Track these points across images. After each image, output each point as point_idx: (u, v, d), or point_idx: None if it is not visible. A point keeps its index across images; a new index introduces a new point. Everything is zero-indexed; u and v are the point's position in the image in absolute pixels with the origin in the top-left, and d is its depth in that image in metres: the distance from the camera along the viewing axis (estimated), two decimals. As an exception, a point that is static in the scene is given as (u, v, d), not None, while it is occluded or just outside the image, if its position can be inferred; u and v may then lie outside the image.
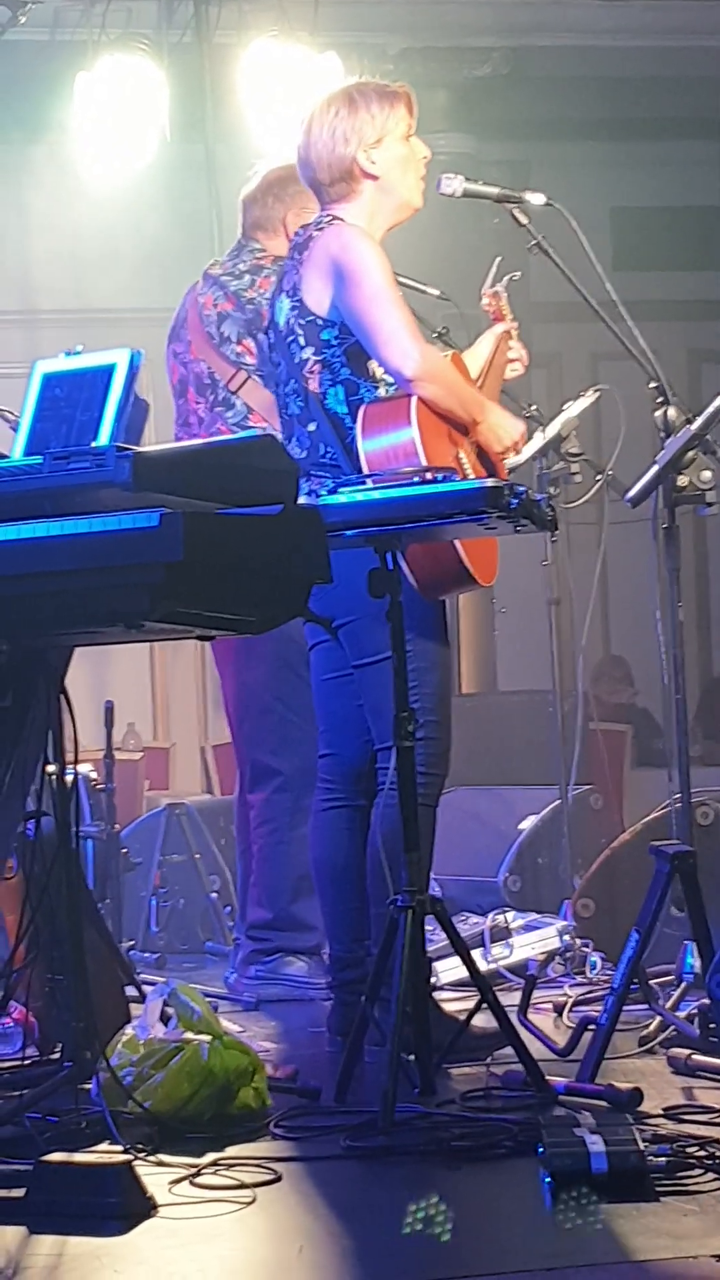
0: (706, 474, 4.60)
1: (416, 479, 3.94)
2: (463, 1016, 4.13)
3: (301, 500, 3.84)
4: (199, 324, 5.49)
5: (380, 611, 4.00)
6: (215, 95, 7.85)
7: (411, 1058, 3.89)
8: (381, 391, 4.39)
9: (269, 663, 5.36)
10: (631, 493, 4.69)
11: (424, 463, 4.18)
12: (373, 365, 4.39)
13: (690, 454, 4.60)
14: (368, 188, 4.49)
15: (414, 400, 4.28)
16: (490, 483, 3.85)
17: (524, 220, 4.77)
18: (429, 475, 3.95)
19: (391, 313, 4.32)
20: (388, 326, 4.31)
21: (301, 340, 4.44)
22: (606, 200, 10.10)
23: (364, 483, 4.01)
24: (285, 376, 4.51)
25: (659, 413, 4.67)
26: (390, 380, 4.37)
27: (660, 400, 4.69)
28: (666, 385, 4.72)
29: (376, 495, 3.91)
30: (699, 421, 4.60)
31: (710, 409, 4.61)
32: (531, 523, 3.90)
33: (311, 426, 4.42)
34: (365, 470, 4.24)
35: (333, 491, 4.06)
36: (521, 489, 3.85)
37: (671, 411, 4.66)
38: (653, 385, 4.70)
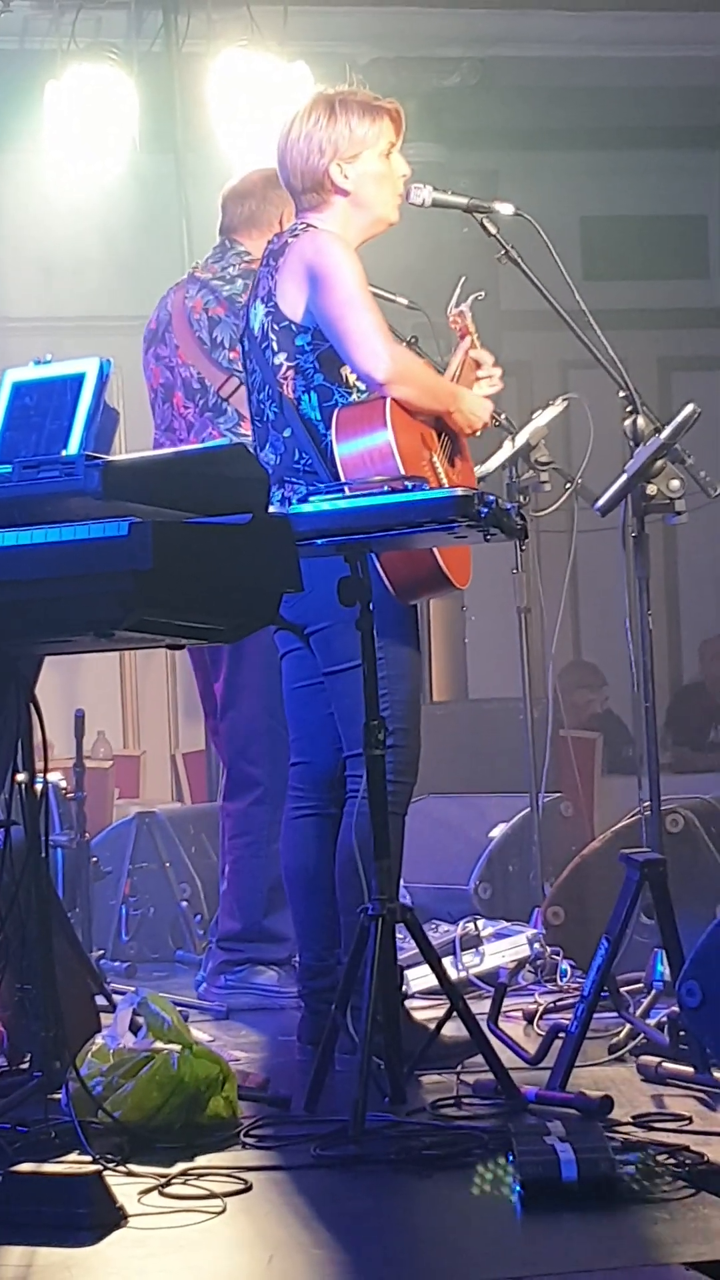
0: (675, 483, 4.61)
1: (386, 488, 3.95)
2: (432, 1025, 4.13)
3: (272, 509, 3.84)
4: (188, 328, 5.45)
5: (350, 619, 4.00)
6: (185, 105, 7.86)
7: (381, 1065, 3.89)
8: (354, 398, 4.40)
9: (260, 670, 5.29)
10: (601, 501, 4.70)
11: (399, 464, 4.19)
12: (346, 371, 4.39)
13: (659, 463, 4.61)
14: (339, 202, 4.49)
15: (388, 402, 4.29)
16: (460, 492, 3.85)
17: (493, 230, 4.79)
18: (400, 484, 3.96)
19: (364, 317, 4.33)
20: (360, 330, 4.32)
21: (275, 346, 4.44)
22: (576, 209, 10.14)
23: (341, 490, 4.01)
24: (260, 383, 4.51)
25: (628, 422, 4.68)
26: (364, 386, 4.38)
27: (629, 409, 4.70)
28: (635, 394, 4.73)
29: (346, 504, 3.91)
30: (668, 431, 4.61)
31: (679, 418, 4.62)
32: (501, 531, 3.91)
33: (286, 432, 4.43)
34: (341, 474, 4.25)
35: (304, 499, 4.07)
36: (491, 498, 3.86)
37: (640, 420, 4.67)
38: (622, 395, 4.71)
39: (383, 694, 4.08)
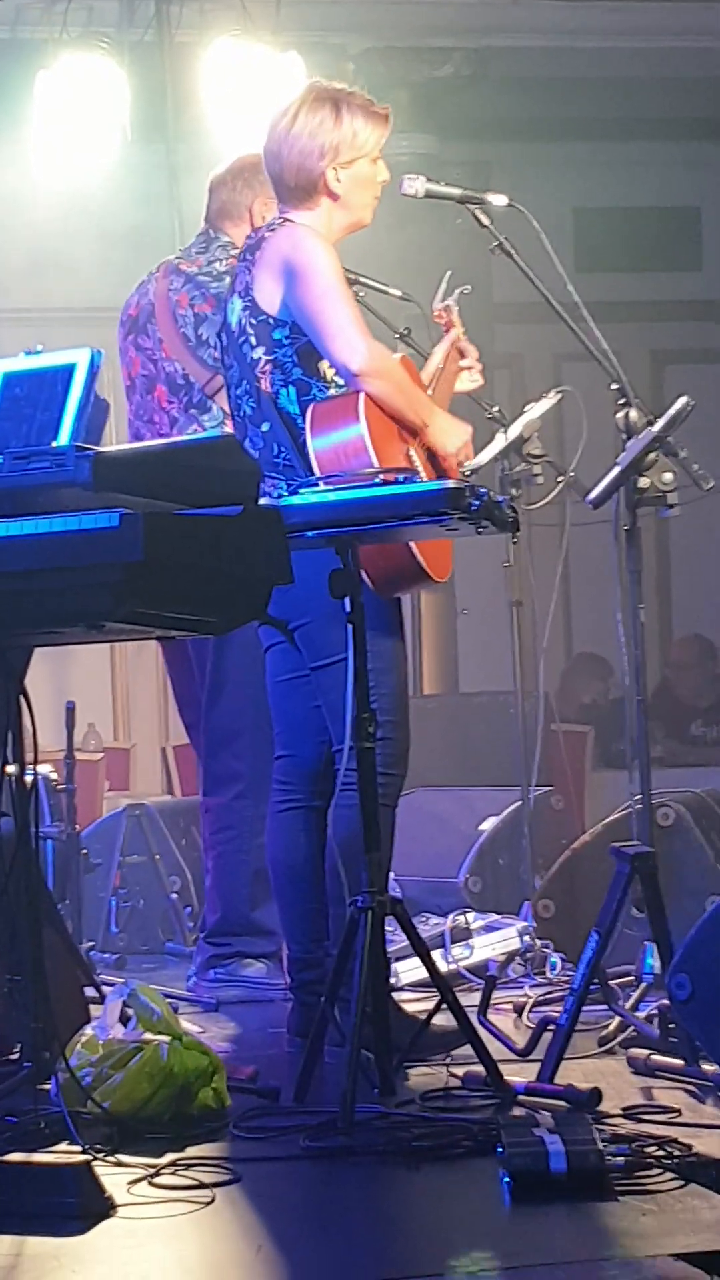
0: (668, 476, 4.60)
1: (379, 480, 3.94)
2: (422, 1016, 4.13)
3: (262, 501, 3.83)
4: (172, 323, 5.42)
5: (335, 612, 4.01)
6: (176, 94, 7.84)
7: (370, 1057, 3.89)
8: (332, 391, 4.39)
9: (244, 664, 5.28)
10: (593, 494, 4.69)
11: (373, 459, 4.19)
12: (325, 365, 4.39)
13: (652, 456, 4.61)
14: (326, 202, 4.49)
15: (362, 397, 4.29)
16: (452, 484, 3.85)
17: (486, 221, 4.78)
18: (391, 476, 3.96)
19: (340, 309, 4.33)
20: (336, 322, 4.32)
21: (253, 340, 4.44)
22: (569, 201, 10.13)
23: (316, 484, 4.01)
24: (238, 378, 4.51)
25: (620, 414, 4.67)
26: (342, 381, 4.38)
27: (622, 402, 4.69)
28: (628, 387, 4.73)
29: (337, 496, 3.91)
30: (660, 423, 4.61)
31: (672, 411, 4.61)
32: (493, 524, 3.91)
33: (265, 427, 4.42)
34: (316, 469, 4.25)
35: (291, 493, 4.06)
36: (483, 490, 3.86)
37: (633, 413, 4.66)
38: (614, 387, 4.71)
39: (370, 687, 4.07)
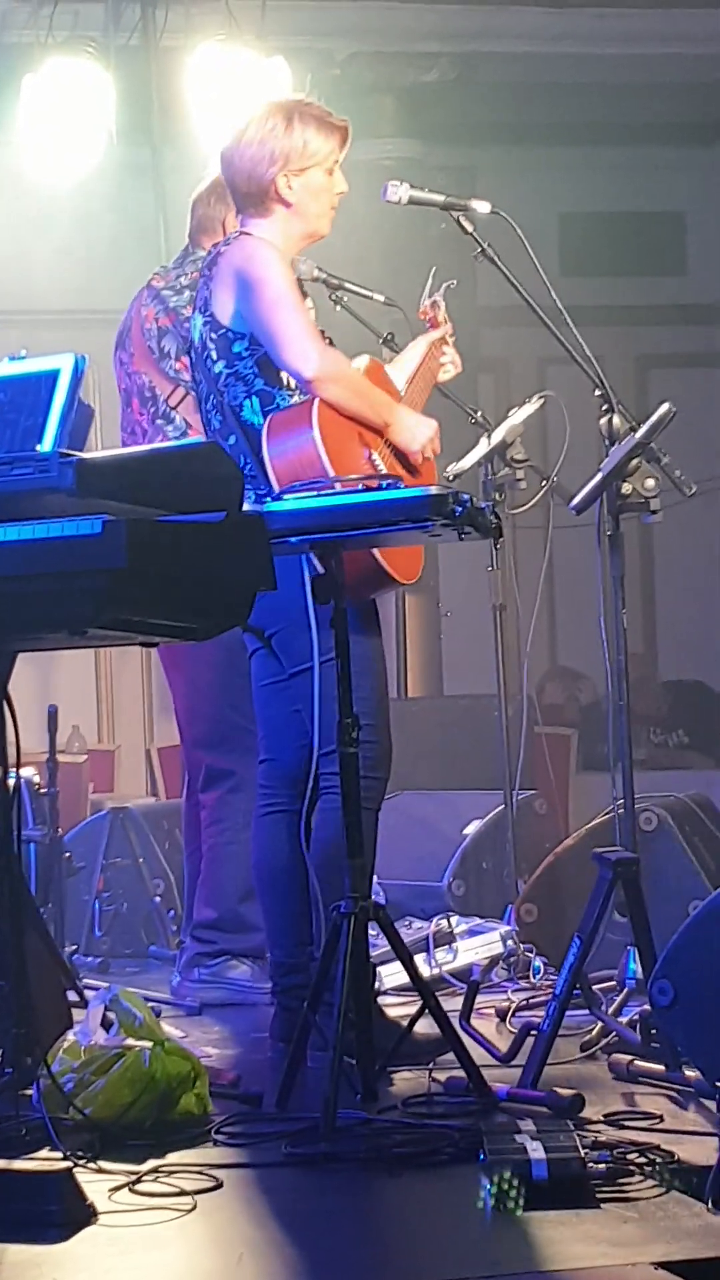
0: (650, 482, 4.61)
1: (361, 486, 3.95)
2: (405, 1022, 4.13)
3: (245, 507, 3.83)
4: (140, 337, 5.53)
5: (305, 620, 4.02)
6: (162, 98, 7.84)
7: (353, 1063, 3.89)
8: (295, 399, 4.40)
9: (218, 668, 5.36)
10: (576, 500, 4.70)
11: (327, 467, 4.20)
12: (286, 374, 4.40)
13: (635, 462, 4.62)
14: (280, 211, 4.51)
15: (316, 404, 4.30)
16: (435, 490, 3.85)
17: (470, 227, 4.79)
18: (374, 482, 3.96)
19: (291, 318, 4.34)
20: (287, 331, 4.34)
21: (214, 354, 4.47)
22: (554, 206, 10.14)
23: (279, 498, 4.02)
24: (205, 392, 4.54)
25: (603, 420, 4.68)
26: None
27: (605, 408, 4.70)
28: (611, 392, 4.73)
29: (320, 502, 3.91)
30: (643, 430, 4.62)
31: (654, 417, 4.63)
32: (476, 530, 3.91)
33: (231, 440, 4.44)
34: (272, 479, 4.26)
35: (257, 504, 4.08)
36: (466, 496, 3.86)
37: (616, 419, 4.67)
38: (598, 394, 4.72)
39: (338, 693, 4.06)
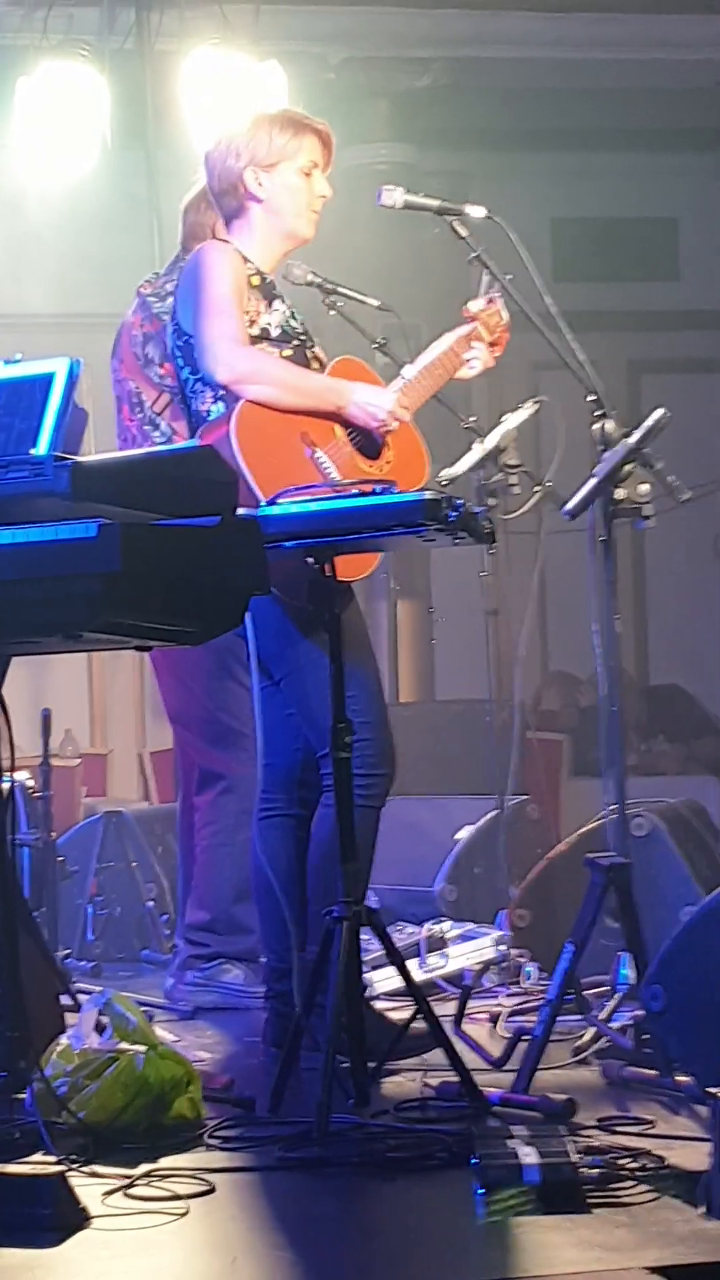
0: (644, 487, 4.61)
1: (356, 491, 3.95)
2: (399, 1023, 4.13)
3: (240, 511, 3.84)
4: (128, 344, 5.57)
5: (282, 627, 4.06)
6: (156, 102, 7.84)
7: (346, 1065, 3.89)
8: None
9: (209, 671, 5.38)
10: (569, 505, 4.69)
11: (250, 480, 4.15)
12: None
13: (628, 468, 4.62)
14: (254, 209, 4.53)
15: (235, 413, 4.27)
16: (429, 495, 3.86)
17: (464, 232, 4.79)
18: (368, 487, 3.97)
19: (212, 323, 4.34)
20: (205, 335, 4.35)
21: (181, 361, 4.50)
22: (547, 211, 10.14)
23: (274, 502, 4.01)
24: (183, 399, 4.55)
25: (597, 426, 4.68)
26: None
27: (598, 413, 4.70)
28: (604, 398, 4.73)
29: (315, 507, 3.92)
30: (637, 435, 4.61)
31: (648, 423, 4.62)
32: (470, 535, 3.91)
33: None
34: None
35: None
36: (460, 501, 3.86)
37: (609, 425, 4.67)
38: (591, 398, 4.71)
39: (331, 697, 4.06)
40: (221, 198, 4.57)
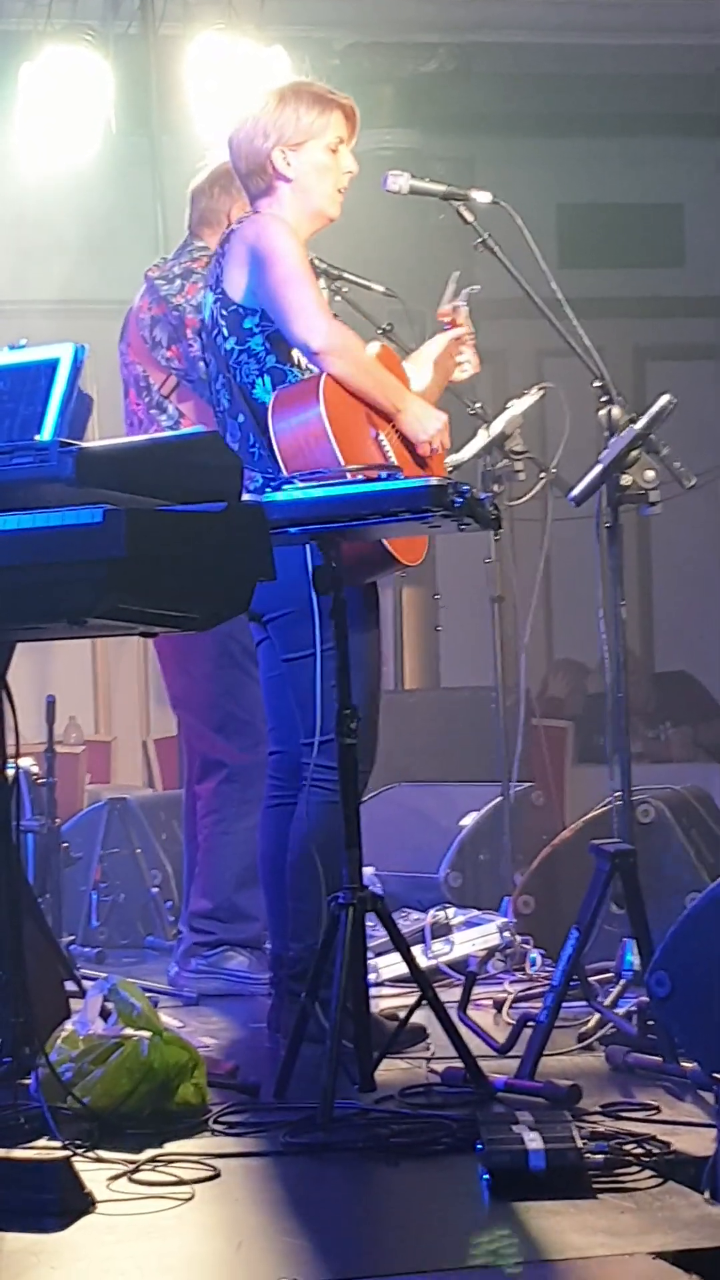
0: (650, 474, 4.60)
1: (361, 476, 3.94)
2: (400, 1014, 4.13)
3: (245, 497, 3.83)
4: (135, 328, 5.54)
5: (307, 607, 4.01)
6: (161, 87, 7.82)
7: (351, 1048, 3.89)
8: (306, 377, 4.39)
9: (213, 658, 5.37)
10: (575, 492, 4.69)
11: (332, 442, 4.18)
12: (298, 352, 4.39)
13: (634, 454, 4.61)
14: (283, 188, 4.51)
15: (323, 379, 4.28)
16: (434, 481, 3.85)
17: (470, 218, 4.79)
18: (373, 473, 3.96)
19: (303, 291, 4.34)
20: (297, 303, 4.33)
21: (225, 331, 4.45)
22: (553, 196, 10.12)
23: (291, 482, 4.00)
24: (215, 371, 4.52)
25: (603, 412, 4.67)
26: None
27: (604, 399, 4.70)
28: (610, 384, 4.73)
29: (320, 493, 3.91)
30: (643, 421, 4.61)
31: (654, 409, 4.61)
32: (476, 521, 3.91)
33: (240, 418, 4.43)
34: (278, 454, 4.24)
35: (261, 488, 4.06)
36: (466, 487, 3.86)
37: (615, 411, 4.66)
38: (597, 384, 4.71)
39: (336, 684, 4.05)
40: (248, 178, 4.54)
